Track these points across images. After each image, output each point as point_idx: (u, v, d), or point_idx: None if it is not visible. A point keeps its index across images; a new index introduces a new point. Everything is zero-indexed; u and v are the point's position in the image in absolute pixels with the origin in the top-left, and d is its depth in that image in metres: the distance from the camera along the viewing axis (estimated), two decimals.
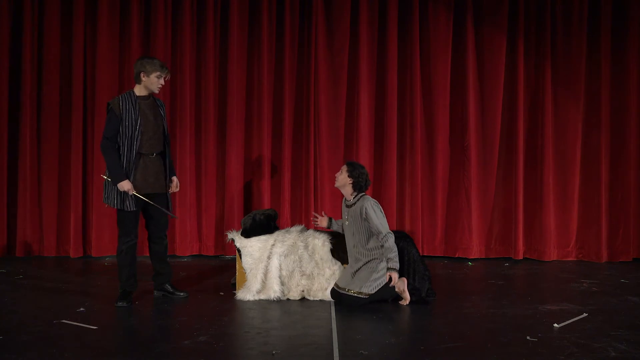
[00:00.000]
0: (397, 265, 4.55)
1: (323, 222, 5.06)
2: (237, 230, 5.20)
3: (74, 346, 3.58)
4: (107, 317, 4.28)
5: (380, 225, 4.56)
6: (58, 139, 6.72)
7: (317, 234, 5.04)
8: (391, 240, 4.56)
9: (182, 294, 4.90)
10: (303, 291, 4.85)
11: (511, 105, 6.74)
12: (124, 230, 4.60)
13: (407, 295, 4.62)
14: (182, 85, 6.70)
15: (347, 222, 4.77)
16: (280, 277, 4.83)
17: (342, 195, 6.86)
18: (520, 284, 5.60)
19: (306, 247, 4.91)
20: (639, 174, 6.72)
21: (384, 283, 4.58)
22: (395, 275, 4.53)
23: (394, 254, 4.55)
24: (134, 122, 4.49)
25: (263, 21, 6.69)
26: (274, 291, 4.77)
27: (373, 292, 4.56)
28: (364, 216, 4.60)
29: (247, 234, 5.02)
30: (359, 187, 4.72)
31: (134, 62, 4.64)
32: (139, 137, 4.52)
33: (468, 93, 6.69)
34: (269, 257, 4.86)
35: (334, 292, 4.70)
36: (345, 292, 4.60)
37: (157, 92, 4.66)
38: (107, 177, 4.52)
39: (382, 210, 4.67)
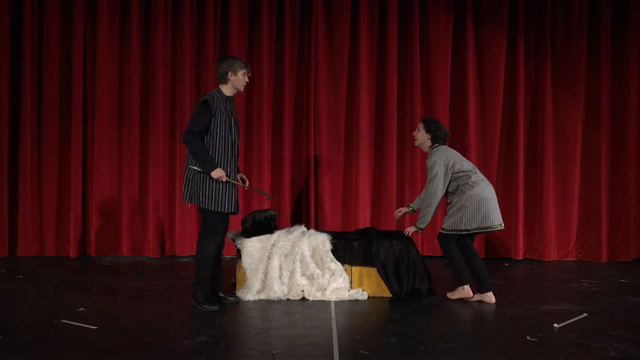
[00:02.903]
0: (422, 226, 4.79)
1: (401, 212, 5.19)
2: (237, 231, 5.20)
3: (74, 346, 3.58)
4: (107, 317, 4.28)
5: (431, 184, 4.74)
6: (58, 139, 6.72)
7: (317, 234, 5.04)
8: (435, 203, 4.73)
9: (232, 299, 4.74)
10: (303, 291, 4.85)
11: (511, 105, 6.74)
12: (213, 229, 4.45)
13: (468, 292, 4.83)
14: (182, 85, 6.70)
15: (429, 177, 4.84)
16: (280, 277, 4.83)
17: (341, 196, 6.90)
18: (520, 284, 5.61)
19: (306, 247, 4.91)
20: (639, 174, 6.73)
21: (461, 213, 4.70)
22: (412, 231, 4.85)
23: (428, 215, 4.74)
24: (227, 124, 4.41)
25: (263, 21, 6.69)
26: (274, 291, 4.77)
27: (451, 227, 4.73)
28: (429, 161, 4.78)
29: (247, 234, 5.02)
30: (437, 139, 4.89)
31: (216, 64, 4.52)
32: (237, 139, 4.49)
33: (468, 93, 6.69)
34: (269, 257, 4.86)
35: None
36: (440, 230, 4.84)
37: (242, 90, 4.58)
38: (198, 168, 4.37)
39: (447, 168, 4.73)
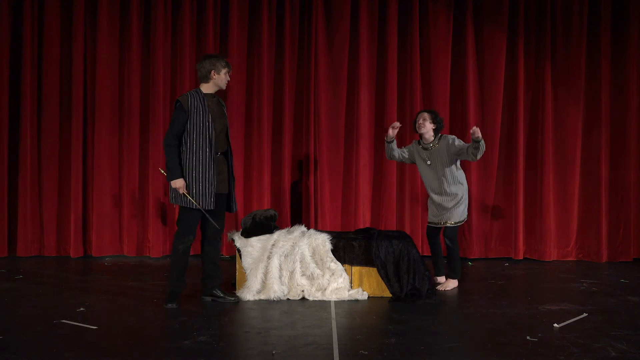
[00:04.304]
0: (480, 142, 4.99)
1: (394, 133, 5.36)
2: (237, 230, 5.20)
3: (74, 346, 3.59)
4: (107, 317, 4.28)
5: (465, 144, 5.11)
6: (58, 139, 6.72)
7: (317, 234, 5.04)
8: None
9: (232, 298, 4.75)
10: (303, 291, 4.85)
11: (511, 104, 6.74)
12: (185, 229, 4.52)
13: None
14: (181, 85, 6.70)
15: (428, 162, 5.25)
16: (280, 277, 4.83)
17: (341, 196, 6.89)
18: (520, 284, 5.61)
19: (306, 247, 4.91)
20: (639, 174, 6.73)
21: (464, 204, 5.23)
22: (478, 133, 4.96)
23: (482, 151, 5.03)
24: (204, 121, 4.45)
25: (263, 21, 6.69)
26: (274, 291, 4.77)
27: (462, 218, 5.23)
28: (451, 145, 5.12)
29: (247, 234, 5.02)
30: (439, 130, 5.28)
31: (199, 63, 4.56)
32: (214, 136, 4.48)
33: (468, 93, 6.69)
34: (269, 257, 4.86)
35: (431, 229, 5.30)
36: (450, 225, 5.20)
37: (224, 88, 4.66)
38: (164, 171, 4.52)
39: None
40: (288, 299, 4.82)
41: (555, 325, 4.03)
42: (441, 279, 5.37)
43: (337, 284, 4.85)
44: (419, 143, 5.36)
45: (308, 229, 5.23)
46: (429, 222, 5.35)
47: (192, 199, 4.45)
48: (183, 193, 4.44)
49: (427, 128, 5.24)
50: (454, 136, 5.23)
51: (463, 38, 6.72)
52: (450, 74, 6.74)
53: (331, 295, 4.81)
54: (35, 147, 6.69)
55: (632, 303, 4.73)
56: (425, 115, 5.27)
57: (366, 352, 3.48)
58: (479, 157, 4.99)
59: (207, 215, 4.52)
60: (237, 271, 5.02)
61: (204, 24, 6.72)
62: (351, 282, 4.94)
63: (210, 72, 4.52)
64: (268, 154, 6.75)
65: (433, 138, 5.26)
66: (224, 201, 4.70)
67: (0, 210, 6.62)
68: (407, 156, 5.46)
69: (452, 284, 5.26)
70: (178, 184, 4.43)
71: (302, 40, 6.81)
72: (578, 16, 6.66)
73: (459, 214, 5.20)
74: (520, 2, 6.67)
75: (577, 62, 6.68)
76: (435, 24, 6.73)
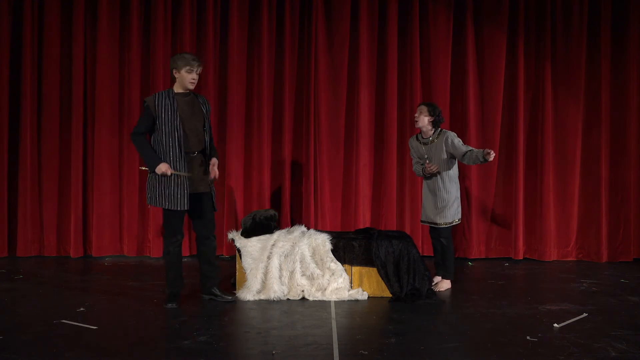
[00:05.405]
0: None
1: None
2: (237, 230, 5.20)
3: (74, 346, 3.59)
4: (107, 317, 4.28)
5: (465, 147, 5.05)
6: (58, 138, 6.72)
7: (317, 234, 5.04)
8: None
9: (229, 297, 4.76)
10: (303, 291, 4.85)
11: (511, 105, 6.74)
12: (170, 230, 4.52)
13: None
14: None
15: (426, 157, 5.21)
16: (280, 277, 4.84)
17: (341, 196, 6.89)
18: (520, 284, 5.61)
19: (306, 247, 4.91)
20: (639, 174, 6.72)
21: (457, 203, 5.22)
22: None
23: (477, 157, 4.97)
24: (172, 120, 4.39)
25: (263, 21, 6.69)
26: (274, 291, 4.77)
27: (458, 217, 5.24)
28: (449, 143, 5.06)
29: (247, 234, 5.02)
30: (438, 124, 5.19)
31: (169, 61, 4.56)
32: (182, 135, 4.41)
33: (468, 93, 6.69)
34: (269, 257, 4.86)
35: (434, 230, 5.28)
36: (443, 226, 5.18)
37: (191, 87, 4.49)
38: (145, 167, 4.47)
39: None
40: (288, 299, 4.82)
41: (555, 325, 4.04)
42: (437, 278, 5.35)
43: (337, 284, 4.85)
44: (417, 138, 5.33)
45: (308, 229, 5.24)
46: (422, 221, 5.37)
47: (180, 173, 4.38)
48: (172, 173, 4.36)
49: (423, 121, 5.17)
50: (454, 133, 5.18)
51: (463, 38, 6.72)
52: (450, 74, 6.74)
53: (331, 295, 4.81)
54: (35, 147, 6.68)
55: (632, 303, 4.73)
56: (422, 108, 5.19)
57: (366, 352, 3.48)
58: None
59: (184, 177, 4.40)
60: (237, 271, 5.02)
61: (204, 24, 6.72)
62: (351, 282, 4.94)
63: (172, 71, 4.48)
64: (268, 154, 6.75)
65: (432, 132, 5.20)
66: (209, 200, 4.64)
67: (0, 210, 6.62)
68: (417, 158, 5.36)
69: (446, 284, 5.24)
70: (163, 168, 4.34)
71: (302, 40, 6.81)
72: (578, 16, 6.66)
73: (451, 214, 5.18)
74: (520, 2, 6.67)
75: (577, 62, 6.67)
76: (435, 24, 6.73)
